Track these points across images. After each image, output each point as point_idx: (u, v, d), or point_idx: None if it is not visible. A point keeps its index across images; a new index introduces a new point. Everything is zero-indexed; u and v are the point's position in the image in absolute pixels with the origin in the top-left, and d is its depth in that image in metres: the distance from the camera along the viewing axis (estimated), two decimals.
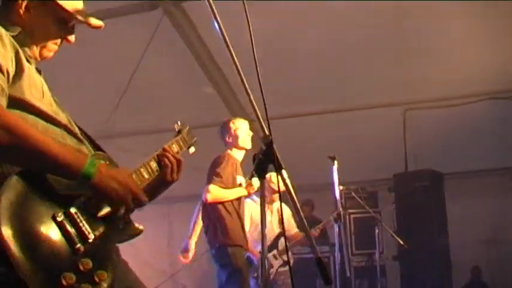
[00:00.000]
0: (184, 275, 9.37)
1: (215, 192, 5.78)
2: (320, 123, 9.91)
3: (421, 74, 8.78)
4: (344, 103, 9.58)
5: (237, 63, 2.41)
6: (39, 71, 2.46)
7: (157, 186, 2.74)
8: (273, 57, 7.78)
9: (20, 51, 2.28)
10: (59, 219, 2.05)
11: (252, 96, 2.41)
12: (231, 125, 6.17)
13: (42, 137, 2.10)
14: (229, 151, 6.11)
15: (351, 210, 9.28)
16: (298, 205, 2.48)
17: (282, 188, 2.46)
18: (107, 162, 2.38)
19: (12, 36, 2.31)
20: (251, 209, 6.77)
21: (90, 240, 2.12)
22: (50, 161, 2.08)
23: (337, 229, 6.77)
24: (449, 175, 9.80)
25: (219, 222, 5.91)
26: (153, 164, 2.66)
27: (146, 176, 2.58)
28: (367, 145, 9.72)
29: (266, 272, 5.75)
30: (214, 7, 2.44)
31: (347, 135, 9.61)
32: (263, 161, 2.42)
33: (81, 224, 2.11)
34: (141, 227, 2.46)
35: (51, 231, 2.01)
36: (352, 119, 9.75)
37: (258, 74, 2.45)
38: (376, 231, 8.23)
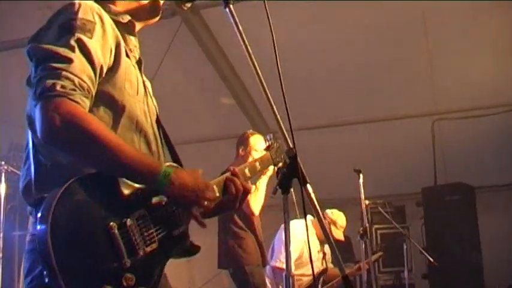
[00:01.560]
0: None
1: None
2: (346, 134, 9.75)
3: (449, 85, 8.63)
4: (370, 114, 9.38)
5: (260, 74, 2.35)
6: (140, 62, 2.48)
7: (216, 209, 2.54)
8: (297, 67, 7.70)
9: (122, 43, 2.29)
10: (112, 230, 2.00)
11: (275, 108, 2.34)
12: (250, 140, 5.91)
13: (119, 142, 2.08)
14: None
15: (377, 226, 9.12)
16: (323, 220, 2.40)
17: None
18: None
19: (119, 23, 2.36)
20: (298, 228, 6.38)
21: (140, 256, 2.07)
22: (125, 166, 2.07)
23: (364, 245, 6.49)
24: (481, 188, 9.50)
25: (234, 241, 5.76)
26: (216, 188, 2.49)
27: None
28: (395, 158, 9.56)
29: None
30: (236, 17, 2.39)
31: (374, 148, 9.48)
32: (287, 175, 2.36)
33: (133, 238, 2.06)
34: (198, 244, 2.39)
35: (101, 242, 1.98)
36: (379, 131, 9.60)
37: (281, 85, 2.38)
38: (404, 247, 7.99)
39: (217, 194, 2.46)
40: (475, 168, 9.34)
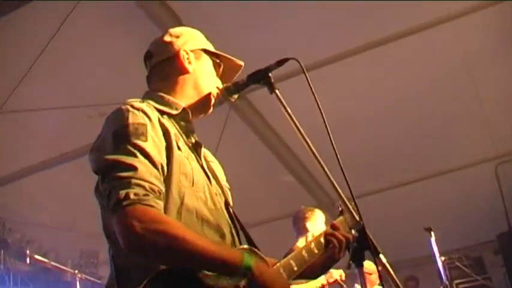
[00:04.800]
0: None
1: None
2: (410, 193, 9.60)
3: (505, 126, 8.49)
4: (432, 169, 9.24)
5: (313, 148, 2.33)
6: (198, 144, 2.51)
7: (324, 262, 2.66)
8: (349, 133, 7.62)
9: (172, 134, 2.30)
10: None
11: (335, 182, 2.31)
12: (306, 215, 5.79)
13: (196, 236, 2.10)
14: (298, 242, 5.68)
15: (458, 281, 8.76)
16: (401, 286, 2.34)
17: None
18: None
19: (170, 115, 2.40)
20: None
21: None
22: (208, 261, 2.07)
23: None
24: None
25: None
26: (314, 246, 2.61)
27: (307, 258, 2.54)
28: (463, 208, 9.31)
29: None
30: (283, 100, 2.40)
31: (440, 202, 9.28)
32: (358, 248, 2.30)
33: None
34: None
35: None
36: (442, 184, 9.41)
37: (336, 155, 2.33)
38: None
39: (316, 252, 2.57)
40: None
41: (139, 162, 2.12)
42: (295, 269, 2.46)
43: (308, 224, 5.73)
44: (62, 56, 6.28)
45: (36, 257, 6.49)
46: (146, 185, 2.08)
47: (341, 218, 2.82)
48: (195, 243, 2.05)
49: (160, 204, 2.10)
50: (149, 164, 2.14)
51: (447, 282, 6.42)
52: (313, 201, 8.54)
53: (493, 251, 9.27)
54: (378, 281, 6.75)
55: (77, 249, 8.42)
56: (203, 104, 2.57)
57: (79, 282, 6.42)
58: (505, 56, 7.45)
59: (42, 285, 8.82)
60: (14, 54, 6.26)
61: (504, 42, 7.25)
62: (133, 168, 2.09)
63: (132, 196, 2.03)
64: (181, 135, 2.40)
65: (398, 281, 2.31)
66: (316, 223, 5.73)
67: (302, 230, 5.75)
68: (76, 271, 6.54)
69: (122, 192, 2.03)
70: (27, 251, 6.66)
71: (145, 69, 2.64)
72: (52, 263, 6.59)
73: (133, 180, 2.07)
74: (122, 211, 2.02)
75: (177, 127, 2.41)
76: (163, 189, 2.15)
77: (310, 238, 2.84)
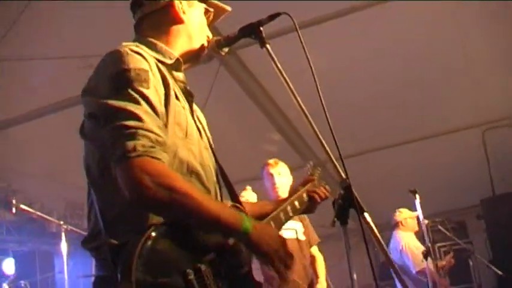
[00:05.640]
0: None
1: None
2: (395, 156, 9.66)
3: (493, 92, 8.54)
4: (419, 132, 9.24)
5: (303, 107, 2.34)
6: (190, 94, 2.47)
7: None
8: (340, 94, 7.63)
9: (171, 84, 2.28)
10: (189, 277, 2.01)
11: (323, 140, 2.32)
12: (269, 170, 5.78)
13: (202, 196, 2.13)
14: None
15: (440, 244, 8.87)
16: (385, 247, 2.36)
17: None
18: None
19: (164, 64, 2.36)
20: None
21: None
22: (210, 220, 2.10)
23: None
24: None
25: None
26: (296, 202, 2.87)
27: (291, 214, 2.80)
28: (448, 173, 9.41)
29: None
30: (273, 55, 2.41)
31: (425, 165, 9.34)
32: (344, 206, 2.32)
33: (207, 283, 2.06)
34: (260, 280, 2.42)
35: None
36: (428, 148, 9.47)
37: (325, 114, 2.37)
38: (470, 263, 7.78)
39: (299, 207, 2.86)
40: None
41: (144, 111, 2.08)
42: (284, 221, 2.70)
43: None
44: (51, 5, 6.19)
45: (22, 206, 6.46)
46: (152, 136, 2.05)
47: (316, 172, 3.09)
48: (202, 203, 2.07)
49: (166, 156, 2.08)
50: (153, 113, 2.10)
51: (429, 245, 6.48)
52: (300, 160, 8.54)
53: (476, 216, 9.35)
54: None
55: (63, 200, 8.45)
56: (195, 55, 2.54)
57: (64, 233, 6.41)
58: (496, 22, 7.43)
59: (27, 235, 8.87)
60: (1, 4, 6.16)
61: (495, 8, 7.21)
62: (139, 118, 2.05)
63: (139, 148, 2.00)
64: (175, 84, 2.35)
65: (381, 240, 2.32)
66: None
67: None
68: (61, 222, 6.53)
69: (129, 144, 2.00)
70: (13, 201, 6.63)
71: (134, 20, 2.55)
72: (38, 213, 6.57)
73: (140, 131, 2.03)
74: (129, 163, 1.99)
75: (171, 76, 2.37)
76: (166, 140, 2.12)
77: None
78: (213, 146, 2.54)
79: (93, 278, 2.24)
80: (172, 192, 2.01)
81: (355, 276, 2.38)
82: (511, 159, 9.15)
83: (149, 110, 2.09)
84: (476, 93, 8.45)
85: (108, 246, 2.05)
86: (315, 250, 5.83)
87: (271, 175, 5.71)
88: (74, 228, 6.55)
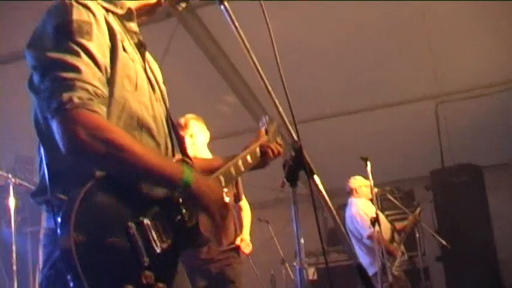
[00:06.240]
0: None
1: None
2: (349, 123, 9.73)
3: (450, 65, 8.56)
4: (373, 102, 9.30)
5: (259, 69, 2.31)
6: (143, 45, 2.42)
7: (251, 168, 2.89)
8: (297, 61, 7.64)
9: (118, 34, 2.23)
10: (131, 231, 2.01)
11: (277, 102, 2.30)
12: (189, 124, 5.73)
13: (141, 149, 2.09)
14: None
15: (387, 212, 8.99)
16: (333, 211, 2.29)
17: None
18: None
19: (115, 14, 2.31)
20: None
21: (157, 253, 2.08)
22: (149, 173, 2.09)
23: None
24: (489, 168, 9.50)
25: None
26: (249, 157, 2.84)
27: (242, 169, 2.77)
28: (400, 143, 9.51)
29: None
30: (231, 13, 2.35)
31: (378, 134, 9.43)
32: (294, 167, 2.30)
33: (151, 237, 2.07)
34: (207, 237, 2.40)
35: (121, 243, 1.98)
36: (382, 117, 9.53)
37: (281, 78, 2.34)
38: (416, 233, 7.93)
39: (251, 162, 2.83)
40: (481, 148, 9.31)
41: (84, 63, 2.04)
42: (235, 175, 2.70)
43: None
44: None
45: None
46: (90, 88, 2.01)
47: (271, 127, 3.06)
48: (141, 156, 2.05)
49: (104, 109, 2.05)
50: (93, 66, 2.06)
51: (378, 212, 6.58)
52: (254, 123, 8.54)
53: (424, 187, 9.49)
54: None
55: (12, 154, 8.28)
56: (151, 7, 2.49)
57: (12, 186, 6.30)
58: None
59: None
60: None
61: None
62: (77, 70, 2.01)
63: (75, 100, 1.97)
64: (125, 35, 2.31)
65: (330, 205, 2.28)
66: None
67: None
68: (10, 175, 6.41)
69: (65, 95, 1.97)
70: None
71: None
72: None
73: (77, 83, 1.99)
74: (64, 115, 1.96)
75: (122, 26, 2.32)
76: (106, 93, 2.09)
77: None
78: (166, 99, 2.51)
79: (42, 230, 2.21)
80: (108, 145, 1.98)
81: (302, 240, 2.37)
82: (462, 132, 9.28)
83: (90, 62, 2.05)
84: (434, 65, 8.48)
85: (54, 200, 2.04)
86: (243, 202, 5.87)
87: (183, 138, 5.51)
88: (23, 183, 6.44)
